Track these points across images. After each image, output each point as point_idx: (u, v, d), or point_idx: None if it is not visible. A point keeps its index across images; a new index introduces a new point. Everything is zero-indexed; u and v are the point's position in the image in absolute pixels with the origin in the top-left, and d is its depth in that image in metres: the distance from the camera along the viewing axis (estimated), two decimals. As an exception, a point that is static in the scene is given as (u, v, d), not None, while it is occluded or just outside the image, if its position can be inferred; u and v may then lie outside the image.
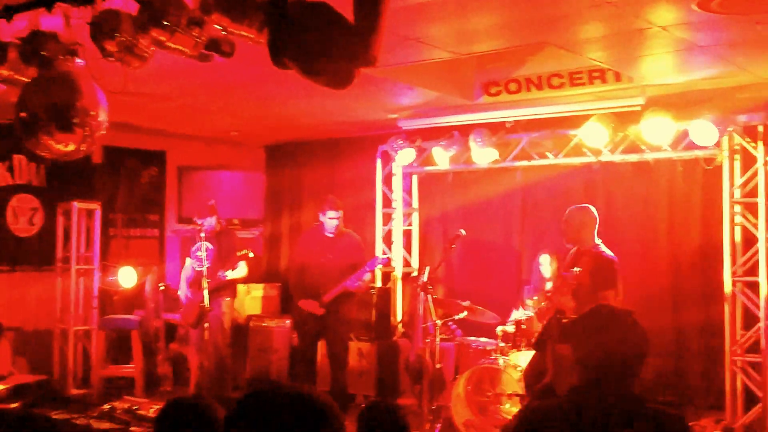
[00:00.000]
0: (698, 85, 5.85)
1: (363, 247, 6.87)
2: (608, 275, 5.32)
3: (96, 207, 7.82)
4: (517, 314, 6.45)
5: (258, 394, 1.58)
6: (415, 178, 8.02)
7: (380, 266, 7.48)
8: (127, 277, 7.90)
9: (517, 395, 5.64)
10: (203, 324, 6.65)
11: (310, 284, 6.67)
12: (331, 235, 6.73)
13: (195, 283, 6.90)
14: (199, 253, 6.82)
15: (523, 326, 6.15)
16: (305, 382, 6.76)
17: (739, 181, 6.18)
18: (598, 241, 5.52)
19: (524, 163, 7.10)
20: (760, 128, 6.04)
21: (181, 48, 3.49)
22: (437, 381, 6.32)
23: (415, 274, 7.84)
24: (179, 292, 7.09)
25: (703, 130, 5.96)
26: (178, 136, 8.71)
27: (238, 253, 6.72)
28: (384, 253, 7.83)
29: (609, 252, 5.45)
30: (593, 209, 5.62)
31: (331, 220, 6.67)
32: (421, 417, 6.21)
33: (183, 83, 6.01)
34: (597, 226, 5.57)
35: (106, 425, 6.32)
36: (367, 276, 6.61)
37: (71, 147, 3.70)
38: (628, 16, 4.34)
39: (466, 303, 6.58)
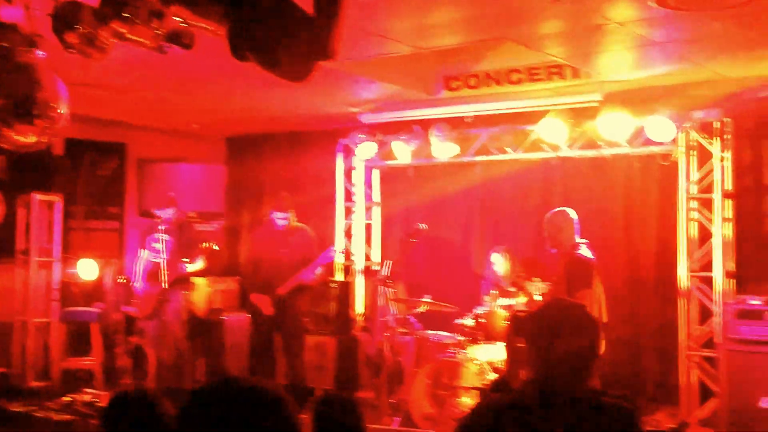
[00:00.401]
0: (655, 81, 5.92)
1: (315, 241, 6.86)
2: (582, 275, 5.38)
3: (56, 199, 7.71)
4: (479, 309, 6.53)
5: (211, 388, 1.57)
6: (376, 172, 8.02)
7: (334, 259, 7.48)
8: (87, 269, 7.84)
9: (476, 389, 5.69)
10: (160, 317, 6.64)
11: (264, 279, 6.66)
12: (283, 229, 6.72)
13: (152, 275, 6.90)
14: (156, 245, 6.81)
15: (482, 320, 6.20)
16: (264, 375, 6.74)
17: (694, 177, 6.27)
18: (581, 241, 5.59)
19: (484, 158, 7.14)
20: (716, 124, 6.14)
21: (141, 40, 3.47)
22: (396, 375, 6.35)
23: (375, 268, 7.85)
24: (135, 284, 7.05)
25: (660, 126, 6.03)
26: (139, 128, 8.62)
27: (203, 245, 6.71)
28: (342, 247, 7.83)
29: (587, 253, 5.51)
30: (571, 212, 5.69)
31: (279, 220, 6.68)
32: (379, 410, 6.24)
33: (143, 75, 5.95)
34: (576, 227, 5.63)
35: (65, 418, 6.25)
36: (319, 269, 6.61)
37: (31, 139, 3.65)
38: (586, 12, 4.39)
39: (426, 297, 6.62)
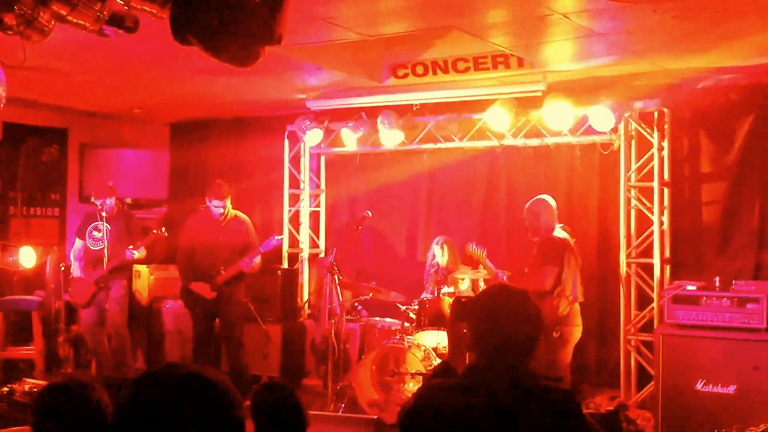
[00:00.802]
0: (597, 71, 6.01)
1: (252, 228, 6.80)
2: (549, 252, 5.52)
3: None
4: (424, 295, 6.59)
5: (149, 376, 1.55)
6: (322, 160, 8.00)
7: (276, 247, 7.43)
8: (27, 257, 7.66)
9: (421, 374, 5.75)
10: (99, 305, 6.55)
11: (201, 267, 6.57)
12: (220, 217, 6.64)
13: (89, 262, 6.79)
14: (96, 233, 6.72)
15: (427, 306, 6.26)
16: (207, 363, 6.69)
17: (634, 165, 6.42)
18: (558, 225, 5.70)
19: (430, 145, 7.18)
20: (656, 114, 6.29)
21: (82, 22, 3.38)
22: (342, 361, 6.37)
23: (321, 255, 7.84)
24: (71, 271, 6.92)
25: (601, 116, 6.15)
26: (81, 113, 8.43)
27: (153, 231, 6.63)
28: (287, 234, 7.79)
29: (561, 234, 5.64)
30: (548, 198, 5.78)
31: (216, 208, 6.59)
32: (325, 397, 6.26)
33: (85, 59, 5.80)
34: (555, 213, 5.74)
35: (4, 408, 6.10)
36: (258, 258, 6.56)
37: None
38: (530, 2, 4.42)
39: (372, 284, 6.65)
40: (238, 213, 6.78)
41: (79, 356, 7.74)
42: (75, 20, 3.34)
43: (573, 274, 5.56)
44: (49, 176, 8.55)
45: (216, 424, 1.49)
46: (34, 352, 7.40)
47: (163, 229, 6.79)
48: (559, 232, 5.66)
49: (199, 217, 6.87)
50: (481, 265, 6.13)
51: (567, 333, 5.57)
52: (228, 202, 6.61)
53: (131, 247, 6.62)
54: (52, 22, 3.42)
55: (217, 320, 6.72)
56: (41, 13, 3.34)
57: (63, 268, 7.50)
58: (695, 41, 5.23)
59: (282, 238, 7.55)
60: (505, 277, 5.91)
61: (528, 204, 5.83)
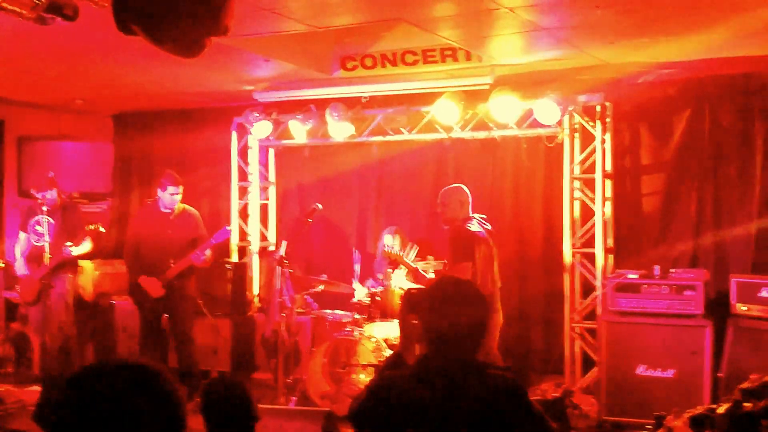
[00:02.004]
0: (543, 65, 6.10)
1: (201, 222, 6.72)
2: (461, 248, 5.43)
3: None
4: (358, 287, 6.60)
5: (84, 372, 1.53)
6: (271, 152, 7.93)
7: (227, 240, 7.35)
8: (-39, 253, 7.37)
9: (372, 366, 5.77)
10: (44, 302, 6.36)
11: (149, 262, 6.45)
12: (168, 211, 6.52)
13: (33, 258, 6.60)
14: (38, 228, 6.53)
15: (378, 298, 6.28)
16: (156, 359, 6.59)
17: (578, 158, 6.55)
18: (474, 216, 5.63)
19: (379, 138, 7.19)
20: (598, 108, 6.42)
21: (17, 9, 3.27)
22: (293, 354, 6.35)
23: (271, 248, 7.79)
24: (16, 268, 6.71)
25: (546, 110, 6.25)
26: (18, 103, 8.15)
27: (89, 227, 6.45)
28: (237, 227, 7.72)
29: (473, 227, 5.53)
30: (462, 188, 5.72)
31: (172, 196, 6.45)
32: (276, 391, 6.23)
33: (22, 47, 5.61)
34: (468, 202, 5.64)
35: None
36: (208, 251, 6.48)
37: None
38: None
39: (323, 277, 6.64)
40: (187, 206, 6.67)
41: (20, 355, 7.51)
42: (10, 6, 3.24)
43: (486, 265, 5.50)
44: (-16, 170, 8.28)
45: (156, 407, 1.47)
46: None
47: (100, 225, 6.59)
48: (473, 226, 5.56)
49: (146, 211, 6.74)
50: (401, 265, 6.15)
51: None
52: (182, 190, 6.49)
53: (69, 244, 6.42)
54: (-14, 9, 3.31)
55: (165, 316, 6.61)
56: (-27, 0, 3.23)
57: (2, 265, 7.28)
58: (635, 36, 5.36)
59: (233, 230, 7.45)
60: (427, 274, 5.93)
61: (446, 191, 5.74)
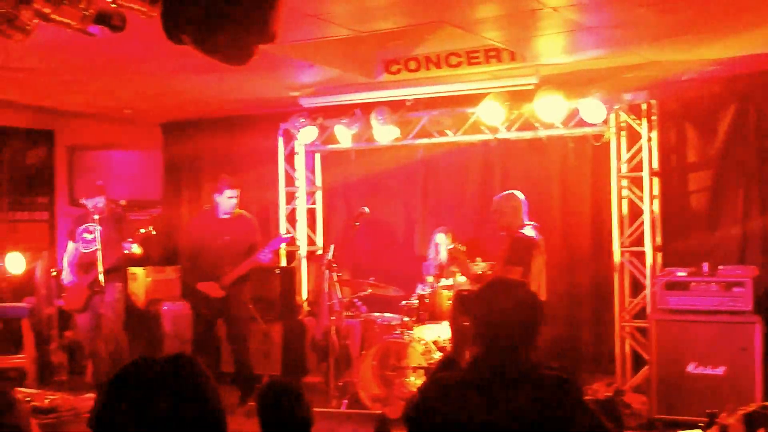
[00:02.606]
0: (587, 64, 6.07)
1: (258, 227, 6.78)
2: (517, 253, 5.51)
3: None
4: (421, 289, 6.60)
5: (127, 369, 1.56)
6: (317, 157, 8.00)
7: (283, 245, 7.43)
8: (14, 262, 7.54)
9: (422, 368, 5.77)
10: (94, 309, 6.46)
11: (207, 267, 6.50)
12: (226, 216, 6.58)
13: (81, 266, 6.65)
14: (87, 236, 6.60)
15: (427, 300, 6.27)
16: (206, 365, 6.66)
17: (625, 156, 6.50)
18: (528, 223, 5.69)
19: (425, 140, 7.21)
20: (644, 106, 6.37)
21: (67, 21, 3.31)
22: (343, 358, 6.38)
23: (319, 252, 7.84)
24: (63, 276, 6.81)
25: (592, 108, 6.22)
26: (68, 114, 8.33)
27: (140, 231, 6.53)
28: (288, 233, 7.79)
29: (530, 233, 5.60)
30: (518, 194, 5.78)
31: (229, 199, 6.50)
32: (327, 394, 6.27)
33: (71, 58, 5.74)
34: (524, 208, 5.71)
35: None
36: (269, 253, 6.53)
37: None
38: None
39: (371, 280, 6.67)
40: (243, 212, 6.71)
41: (73, 363, 7.66)
42: (59, 18, 3.27)
43: (539, 273, 5.56)
44: (35, 179, 8.45)
45: (193, 397, 1.50)
46: (25, 360, 7.24)
47: (151, 227, 6.67)
48: (528, 231, 5.63)
49: (204, 217, 6.82)
50: (458, 266, 6.14)
51: None
52: (239, 194, 6.54)
53: (130, 239, 6.47)
54: (35, 21, 3.36)
55: (220, 321, 6.66)
56: (23, 12, 3.28)
57: (54, 273, 7.43)
58: (679, 34, 5.30)
59: (288, 237, 7.52)
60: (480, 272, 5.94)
61: (500, 198, 5.82)
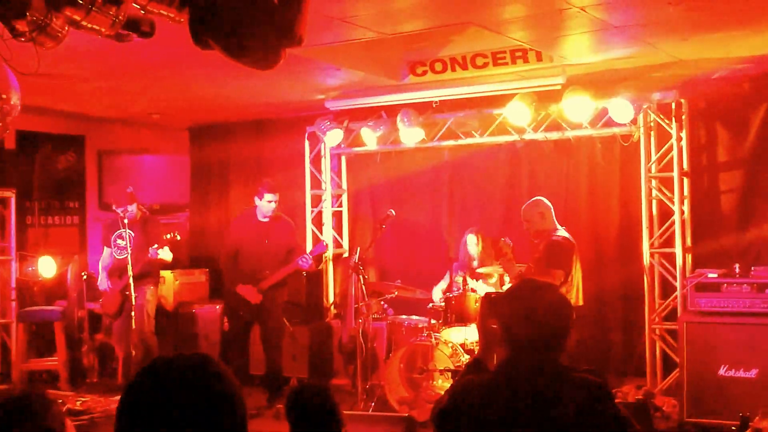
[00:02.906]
0: (615, 64, 6.01)
1: (296, 230, 6.82)
2: (558, 256, 5.56)
3: (10, 195, 7.48)
4: (440, 288, 6.59)
5: (149, 370, 1.56)
6: (343, 159, 8.01)
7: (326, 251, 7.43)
8: (46, 266, 7.65)
9: (450, 371, 5.75)
10: (128, 313, 6.53)
11: (246, 270, 6.55)
12: (265, 220, 6.62)
13: (115, 271, 6.75)
14: (120, 242, 6.69)
15: (453, 302, 6.25)
16: (237, 367, 6.72)
17: (654, 156, 6.43)
18: (559, 227, 5.76)
19: (451, 142, 7.19)
20: (674, 105, 6.29)
21: (96, 27, 3.35)
22: (370, 360, 6.38)
23: (346, 255, 7.85)
24: (99, 282, 6.91)
25: (620, 108, 6.15)
26: (97, 119, 8.44)
27: (166, 236, 6.60)
28: (313, 236, 7.82)
29: (567, 235, 5.67)
30: (543, 199, 5.85)
31: (269, 203, 6.55)
32: (355, 396, 6.27)
33: (100, 64, 5.81)
34: (549, 212, 5.81)
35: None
36: (309, 258, 6.54)
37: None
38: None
39: (397, 282, 6.66)
40: (282, 214, 6.76)
41: (104, 365, 7.75)
42: (89, 25, 3.29)
43: (578, 276, 5.60)
44: (66, 184, 8.57)
45: (212, 395, 1.49)
46: (57, 363, 7.35)
47: (177, 233, 6.74)
48: (564, 233, 5.69)
49: (243, 219, 6.87)
50: (503, 262, 6.11)
51: None
52: (278, 198, 6.59)
53: (155, 246, 6.56)
54: (66, 28, 3.40)
55: (256, 323, 6.70)
56: (54, 19, 3.31)
57: (85, 277, 7.52)
58: (707, 32, 5.23)
59: (328, 244, 7.53)
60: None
61: (526, 207, 5.88)
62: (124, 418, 1.50)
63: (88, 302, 7.70)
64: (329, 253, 7.90)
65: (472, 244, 6.59)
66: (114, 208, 6.75)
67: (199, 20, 3.33)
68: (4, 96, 3.51)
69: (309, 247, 7.34)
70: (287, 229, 6.70)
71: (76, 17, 3.25)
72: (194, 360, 1.55)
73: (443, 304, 6.30)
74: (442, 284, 6.69)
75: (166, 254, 6.66)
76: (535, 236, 5.79)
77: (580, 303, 5.75)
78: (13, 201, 7.49)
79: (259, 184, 6.71)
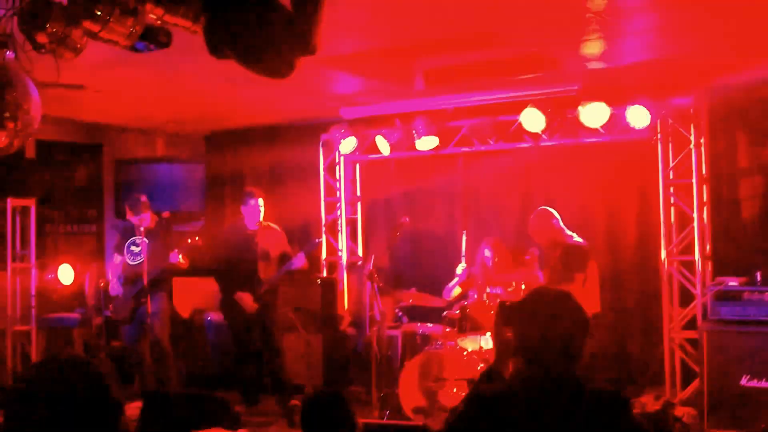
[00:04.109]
0: (632, 70, 5.97)
1: (285, 236, 6.88)
2: (577, 260, 5.61)
3: (30, 203, 7.57)
4: (452, 287, 6.58)
5: (36, 370, 1.68)
6: (358, 167, 8.02)
7: (319, 246, 7.47)
8: (66, 274, 7.72)
9: (465, 379, 5.71)
10: (140, 320, 6.56)
11: (240, 278, 6.63)
12: (254, 228, 6.71)
13: (128, 278, 6.79)
14: (134, 249, 6.74)
15: (468, 311, 6.22)
16: (250, 373, 6.75)
17: (672, 163, 6.37)
18: (570, 233, 5.81)
19: (465, 149, 7.17)
20: (692, 111, 6.24)
21: (114, 39, 3.39)
22: (385, 368, 6.36)
23: (360, 262, 7.85)
24: (110, 288, 6.96)
25: (637, 114, 6.11)
26: (114, 128, 8.52)
27: (187, 241, 6.65)
28: (324, 239, 7.83)
29: (580, 239, 5.74)
30: (547, 208, 5.92)
31: (254, 207, 6.65)
32: (370, 405, 6.25)
33: (117, 74, 5.86)
34: (556, 220, 5.87)
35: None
36: (302, 260, 6.60)
37: (2, 142, 3.58)
38: (564, 2, 4.41)
39: (412, 290, 6.64)
40: (270, 223, 6.85)
41: (121, 372, 7.78)
42: (107, 37, 3.35)
43: (595, 280, 5.60)
44: (84, 193, 8.64)
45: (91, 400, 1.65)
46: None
47: (197, 238, 6.79)
48: (578, 238, 5.74)
49: (233, 229, 6.93)
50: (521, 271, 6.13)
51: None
52: (262, 202, 6.69)
53: (176, 251, 6.61)
54: (84, 40, 3.45)
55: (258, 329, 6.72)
56: (73, 31, 3.37)
57: (103, 285, 7.57)
58: (726, 37, 5.18)
59: (321, 240, 7.57)
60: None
61: (536, 220, 5.93)
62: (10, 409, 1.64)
63: (105, 310, 7.75)
64: (344, 260, 7.90)
65: (489, 254, 6.56)
66: (128, 215, 6.81)
67: (215, 30, 3.35)
68: (24, 106, 3.55)
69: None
70: (276, 235, 6.79)
71: (94, 29, 3.30)
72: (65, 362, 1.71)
73: (458, 312, 6.27)
74: (456, 289, 6.66)
75: (182, 261, 6.69)
76: (548, 246, 5.80)
77: (598, 309, 5.71)
78: (33, 209, 7.57)
79: (245, 192, 6.81)
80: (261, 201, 6.67)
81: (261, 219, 6.73)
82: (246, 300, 6.58)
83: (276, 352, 6.70)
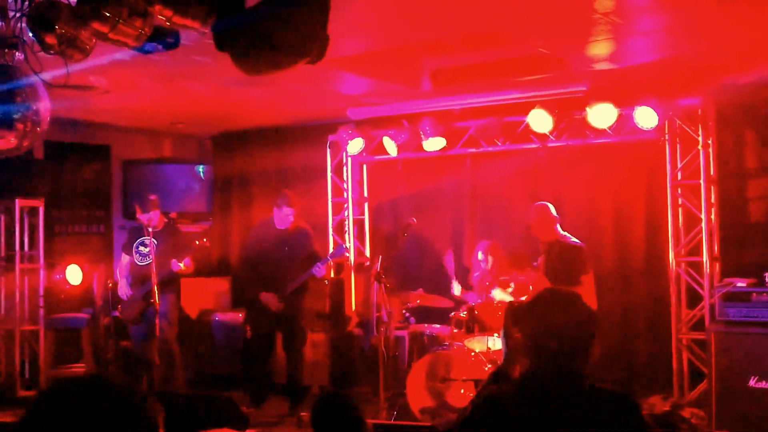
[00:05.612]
0: (639, 70, 5.96)
1: (314, 236, 6.84)
2: (583, 261, 5.65)
3: (39, 204, 7.60)
4: (457, 288, 6.60)
5: (52, 390, 1.55)
6: (365, 168, 8.02)
7: (345, 256, 7.46)
8: (73, 274, 7.73)
9: (472, 380, 5.71)
10: (148, 320, 6.58)
11: (267, 278, 6.59)
12: (283, 228, 6.68)
13: (136, 279, 6.81)
14: (142, 249, 6.75)
15: (476, 311, 6.22)
16: (259, 375, 6.75)
17: (680, 163, 6.35)
18: (564, 233, 5.83)
19: (473, 150, 7.17)
20: (700, 111, 6.22)
21: (123, 40, 3.40)
22: (392, 369, 6.36)
23: (368, 263, 7.85)
24: (118, 289, 6.97)
25: (645, 115, 6.10)
26: (123, 129, 8.54)
27: (195, 243, 6.65)
28: (337, 244, 7.83)
29: (576, 240, 5.75)
30: (544, 203, 5.95)
31: (286, 216, 6.61)
32: (377, 405, 6.25)
33: (126, 75, 5.88)
34: (553, 219, 5.89)
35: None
36: (328, 264, 6.59)
37: (12, 143, 3.60)
38: (572, 3, 4.41)
39: (419, 291, 6.64)
40: (301, 222, 6.80)
41: (129, 372, 7.79)
42: (116, 38, 3.36)
43: (593, 283, 5.61)
44: (92, 193, 8.65)
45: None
46: (84, 369, 7.44)
47: (205, 239, 6.79)
48: (574, 238, 5.77)
49: (263, 228, 6.91)
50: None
51: None
52: (295, 212, 6.66)
53: (184, 252, 6.61)
54: (93, 41, 3.46)
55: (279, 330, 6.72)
56: (81, 33, 3.38)
57: (111, 285, 7.59)
58: (735, 36, 5.16)
59: (348, 247, 7.55)
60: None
61: (539, 211, 5.93)
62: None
63: (113, 310, 7.77)
64: (351, 261, 7.91)
65: (483, 258, 6.54)
66: (137, 215, 6.82)
67: (225, 32, 3.35)
68: (34, 108, 3.56)
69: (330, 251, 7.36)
70: (305, 237, 6.74)
71: (103, 30, 3.30)
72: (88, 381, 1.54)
73: (466, 313, 6.26)
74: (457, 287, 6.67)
75: (186, 266, 6.70)
76: (543, 238, 5.83)
77: (594, 308, 5.71)
78: (41, 210, 7.59)
79: (280, 194, 6.76)
80: (293, 210, 6.61)
81: (291, 223, 6.68)
82: (271, 300, 6.54)
83: (297, 353, 6.66)
